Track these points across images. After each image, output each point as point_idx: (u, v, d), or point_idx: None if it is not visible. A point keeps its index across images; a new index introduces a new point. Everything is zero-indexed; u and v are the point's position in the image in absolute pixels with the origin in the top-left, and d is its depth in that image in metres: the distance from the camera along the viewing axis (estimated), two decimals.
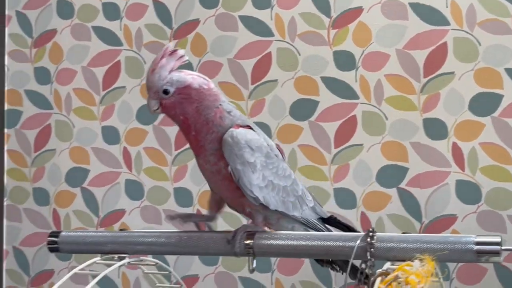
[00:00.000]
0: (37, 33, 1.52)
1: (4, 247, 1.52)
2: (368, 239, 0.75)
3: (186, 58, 0.86)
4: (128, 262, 0.84)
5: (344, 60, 1.32)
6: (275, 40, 1.36)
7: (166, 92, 0.83)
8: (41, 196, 1.50)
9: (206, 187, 1.35)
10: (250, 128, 0.86)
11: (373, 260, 0.74)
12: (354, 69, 1.32)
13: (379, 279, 0.68)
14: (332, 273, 1.31)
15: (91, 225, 1.46)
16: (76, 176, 1.48)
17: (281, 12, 1.36)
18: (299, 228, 0.89)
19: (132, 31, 1.45)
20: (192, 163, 1.40)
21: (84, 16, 1.49)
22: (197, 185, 1.39)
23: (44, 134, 1.51)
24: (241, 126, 0.84)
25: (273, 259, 1.34)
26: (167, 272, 0.90)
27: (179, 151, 1.41)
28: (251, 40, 1.38)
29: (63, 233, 0.88)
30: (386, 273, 0.69)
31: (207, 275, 1.38)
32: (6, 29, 1.53)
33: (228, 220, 1.27)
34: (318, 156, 1.33)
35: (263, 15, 1.37)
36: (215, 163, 0.84)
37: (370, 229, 0.76)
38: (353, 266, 0.91)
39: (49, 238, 0.88)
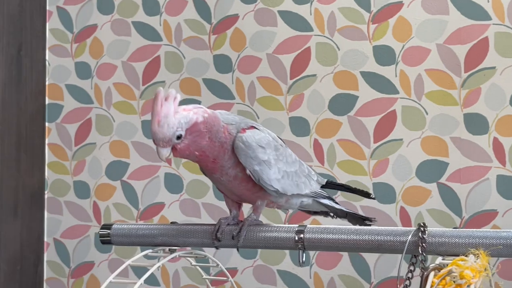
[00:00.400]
0: (77, 28, 1.54)
1: (45, 239, 1.54)
2: (420, 234, 0.75)
3: (179, 96, 0.84)
4: (179, 255, 0.86)
5: (384, 55, 1.32)
6: (314, 35, 1.37)
7: (179, 137, 0.82)
8: (82, 189, 1.52)
9: None
10: (254, 127, 0.88)
11: (424, 254, 0.74)
12: (394, 64, 1.32)
13: (432, 273, 0.68)
14: (371, 266, 1.32)
15: (130, 218, 1.48)
16: (116, 170, 1.50)
17: (320, 7, 1.36)
18: (308, 201, 0.94)
19: (171, 26, 1.47)
20: None
21: (124, 12, 1.50)
22: None
23: (84, 128, 1.53)
24: (246, 129, 0.87)
25: (311, 253, 1.35)
26: (215, 265, 0.91)
27: None
28: (290, 35, 1.39)
29: (115, 226, 0.90)
30: (439, 268, 0.69)
31: (245, 268, 1.39)
32: (47, 24, 1.56)
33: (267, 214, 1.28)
34: (357, 151, 1.34)
35: (303, 10, 1.38)
36: (232, 172, 0.86)
37: (421, 224, 0.76)
38: (356, 216, 0.97)
39: (101, 231, 0.90)
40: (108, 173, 1.51)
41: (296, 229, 0.82)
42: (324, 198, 0.97)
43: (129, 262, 0.81)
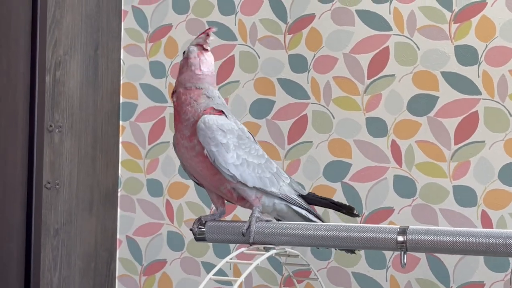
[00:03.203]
0: (152, 27, 1.55)
1: (118, 236, 1.56)
2: None
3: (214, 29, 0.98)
4: (274, 253, 0.85)
5: (466, 55, 1.30)
6: (394, 35, 1.35)
7: (183, 53, 0.99)
8: (155, 187, 1.53)
9: (319, 182, 1.35)
10: (223, 113, 0.94)
11: None
12: (476, 64, 1.29)
13: None
14: (450, 270, 1.29)
15: None
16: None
17: (400, 6, 1.34)
18: (280, 205, 0.95)
19: (246, 26, 1.46)
20: (305, 157, 1.40)
21: (200, 11, 1.51)
22: (310, 179, 1.40)
23: (158, 126, 1.54)
24: (214, 110, 0.93)
25: (388, 256, 1.33)
26: (307, 264, 0.90)
27: (292, 145, 1.42)
28: (368, 34, 1.37)
29: (209, 223, 0.89)
30: None
31: (319, 269, 1.38)
32: (122, 24, 1.57)
33: None
34: (437, 153, 1.31)
35: (381, 9, 1.36)
36: (189, 137, 0.91)
37: None
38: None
39: (195, 228, 0.90)
40: (181, 172, 1.51)
41: (398, 230, 0.80)
42: (301, 208, 0.98)
43: (226, 259, 0.80)
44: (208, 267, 1.47)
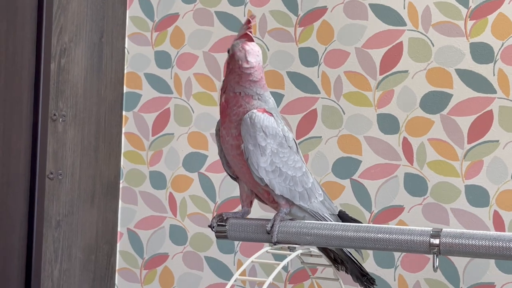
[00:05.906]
0: (158, 16, 1.51)
1: (119, 229, 1.53)
2: None
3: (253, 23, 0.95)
4: (300, 253, 0.83)
5: (482, 53, 1.28)
6: (408, 30, 1.33)
7: (228, 51, 0.94)
8: (158, 180, 1.50)
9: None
10: (272, 116, 0.92)
11: None
12: (492, 62, 1.27)
13: None
14: (460, 271, 1.28)
15: (207, 211, 1.46)
16: (194, 161, 1.47)
17: (415, 1, 1.32)
18: (309, 219, 0.93)
19: (256, 17, 1.43)
20: (314, 153, 1.38)
21: (207, 1, 1.47)
22: (318, 175, 1.37)
23: (162, 118, 1.50)
24: (266, 111, 0.90)
25: (397, 255, 1.31)
26: (328, 264, 0.88)
27: (300, 140, 1.39)
28: (382, 29, 1.34)
29: (231, 220, 0.87)
30: None
31: (327, 267, 1.36)
32: (127, 12, 1.53)
33: None
34: (449, 151, 1.29)
35: (396, 3, 1.33)
36: (236, 137, 0.90)
37: None
38: (362, 273, 0.98)
39: (216, 226, 0.87)
40: (186, 165, 1.48)
41: (431, 232, 0.78)
42: None
43: (252, 259, 0.78)
44: (211, 262, 1.44)
